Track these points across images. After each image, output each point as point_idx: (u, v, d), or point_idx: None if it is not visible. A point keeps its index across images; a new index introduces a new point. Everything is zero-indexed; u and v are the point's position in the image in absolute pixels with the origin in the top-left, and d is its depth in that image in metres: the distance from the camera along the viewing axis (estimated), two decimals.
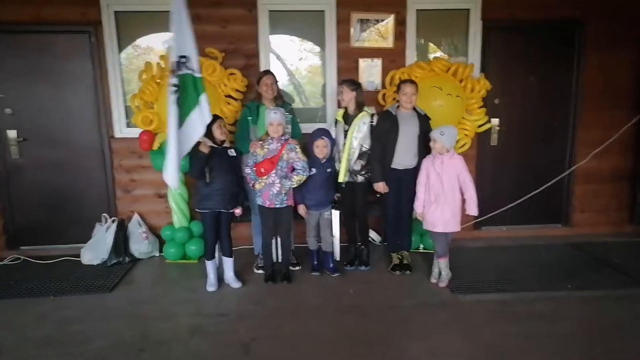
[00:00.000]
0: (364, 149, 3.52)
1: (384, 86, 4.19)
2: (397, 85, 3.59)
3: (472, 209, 3.28)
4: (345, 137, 3.53)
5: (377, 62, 4.21)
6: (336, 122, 3.64)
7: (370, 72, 4.22)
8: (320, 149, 3.42)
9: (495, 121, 4.40)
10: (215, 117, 3.23)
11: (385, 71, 4.18)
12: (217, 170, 3.23)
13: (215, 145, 3.24)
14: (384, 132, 3.47)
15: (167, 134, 3.02)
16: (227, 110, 3.78)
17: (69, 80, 4.05)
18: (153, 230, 4.19)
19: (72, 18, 3.89)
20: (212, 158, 3.22)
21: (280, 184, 3.30)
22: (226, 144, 3.32)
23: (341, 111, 3.64)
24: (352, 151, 3.52)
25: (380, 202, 3.72)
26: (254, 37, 4.08)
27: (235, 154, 3.34)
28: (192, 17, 2.98)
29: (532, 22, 4.30)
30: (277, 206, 3.34)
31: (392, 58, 4.22)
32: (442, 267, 3.41)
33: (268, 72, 3.64)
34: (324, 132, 3.48)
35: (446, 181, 3.25)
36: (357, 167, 3.55)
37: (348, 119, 3.57)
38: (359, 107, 3.57)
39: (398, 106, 3.53)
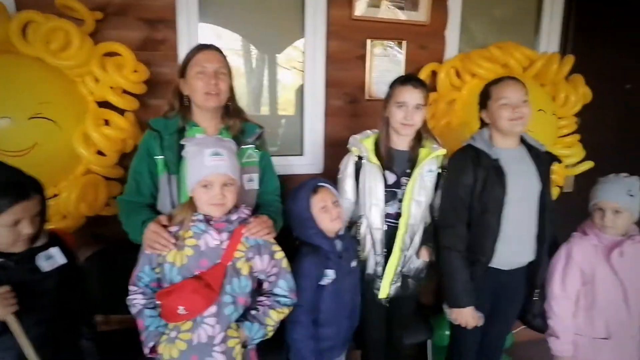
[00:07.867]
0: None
1: None
2: (482, 90, 1.69)
3: None
4: (386, 196, 1.63)
5: (400, 48, 2.33)
6: (360, 160, 1.67)
7: (385, 63, 2.32)
8: (331, 211, 1.50)
9: None
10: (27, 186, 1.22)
11: (411, 64, 2.33)
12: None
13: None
14: (470, 194, 1.59)
15: None
16: (99, 137, 1.66)
17: None
18: None
19: None
20: None
21: (242, 341, 1.29)
22: (41, 240, 1.28)
23: (371, 138, 1.69)
24: (412, 228, 1.64)
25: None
26: None
27: (60, 261, 1.29)
28: None
29: None
30: None
31: (423, 41, 2.36)
32: None
33: (208, 47, 1.53)
34: (323, 180, 1.57)
35: (635, 294, 1.59)
36: (419, 263, 1.70)
37: (389, 158, 1.66)
38: (419, 139, 1.69)
39: (490, 135, 1.67)
